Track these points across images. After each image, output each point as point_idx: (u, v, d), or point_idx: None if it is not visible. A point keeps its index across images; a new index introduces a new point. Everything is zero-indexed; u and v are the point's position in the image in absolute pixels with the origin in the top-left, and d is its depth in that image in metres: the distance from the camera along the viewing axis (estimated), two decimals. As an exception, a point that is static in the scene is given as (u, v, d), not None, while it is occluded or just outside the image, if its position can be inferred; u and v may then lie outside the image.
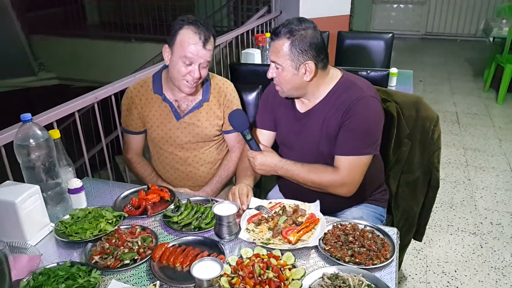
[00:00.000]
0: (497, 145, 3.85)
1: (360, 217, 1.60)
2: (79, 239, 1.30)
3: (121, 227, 1.36)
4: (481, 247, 2.50)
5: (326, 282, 1.11)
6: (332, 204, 1.62)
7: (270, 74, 1.53)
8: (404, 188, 1.88)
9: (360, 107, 1.47)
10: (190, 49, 1.60)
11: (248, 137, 1.56)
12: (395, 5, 8.67)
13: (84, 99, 1.96)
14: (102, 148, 2.93)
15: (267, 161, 1.57)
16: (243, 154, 1.78)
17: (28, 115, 1.32)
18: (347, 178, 1.50)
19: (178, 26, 1.62)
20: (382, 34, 3.48)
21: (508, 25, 4.70)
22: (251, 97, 2.03)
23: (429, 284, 2.23)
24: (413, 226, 1.97)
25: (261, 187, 2.09)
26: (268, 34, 3.10)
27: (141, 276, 1.18)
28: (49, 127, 1.75)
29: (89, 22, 9.32)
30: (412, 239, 2.03)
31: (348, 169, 1.49)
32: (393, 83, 2.76)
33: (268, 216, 1.37)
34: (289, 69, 1.47)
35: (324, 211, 1.41)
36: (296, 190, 1.63)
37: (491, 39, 4.96)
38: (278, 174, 1.59)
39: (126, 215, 1.43)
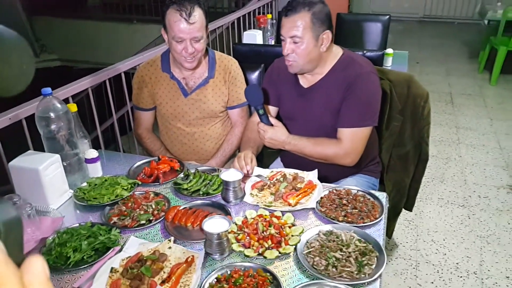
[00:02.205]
0: (488, 124, 3.98)
1: (355, 185, 1.73)
2: (98, 203, 1.43)
3: (135, 193, 1.48)
4: (469, 218, 2.65)
5: (322, 238, 1.24)
6: (329, 174, 1.74)
7: (286, 51, 1.59)
8: (396, 161, 2.01)
9: (360, 82, 1.60)
10: (176, 28, 1.68)
11: (261, 112, 1.64)
12: (394, -12, 8.68)
13: (96, 76, 2.07)
14: (105, 130, 3.05)
15: (277, 135, 1.65)
16: (246, 128, 1.90)
17: (48, 89, 1.43)
18: (350, 149, 1.62)
19: (165, 7, 1.72)
20: (379, 16, 3.57)
21: (503, 8, 4.77)
22: (254, 76, 2.13)
23: (419, 251, 2.38)
24: (404, 197, 2.10)
25: (263, 162, 2.22)
26: (269, 16, 3.18)
27: (156, 234, 1.31)
28: (65, 102, 1.86)
29: (90, 3, 9.29)
30: (404, 210, 2.18)
31: (351, 140, 1.61)
32: (388, 63, 2.86)
33: (270, 182, 1.50)
34: (310, 41, 1.55)
35: (322, 180, 1.54)
36: (297, 161, 1.76)
37: (486, 21, 5.05)
38: (285, 148, 1.68)
39: (140, 182, 1.55)
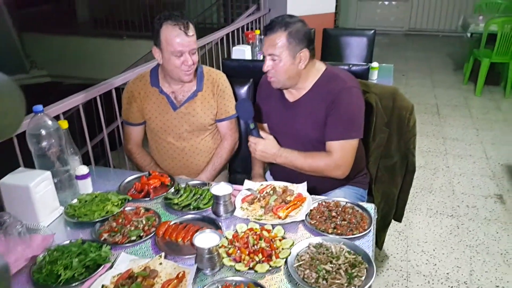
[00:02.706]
0: (474, 135, 4.05)
1: (343, 197, 1.75)
2: (88, 220, 1.42)
3: (126, 209, 1.49)
4: (458, 228, 2.69)
5: (312, 250, 1.26)
6: (318, 186, 1.77)
7: (266, 67, 1.66)
8: (384, 172, 2.04)
9: (344, 96, 1.64)
10: (177, 42, 1.72)
11: (252, 126, 1.68)
12: (380, 2, 8.88)
13: (88, 93, 2.09)
14: (95, 145, 3.04)
15: (268, 148, 1.69)
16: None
17: (40, 107, 1.44)
18: (340, 161, 1.66)
19: (158, 25, 1.75)
20: (365, 31, 3.65)
21: (485, 21, 4.90)
22: (243, 90, 2.16)
23: (409, 262, 2.41)
24: (393, 208, 2.13)
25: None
26: (257, 31, 3.23)
27: (147, 250, 1.31)
28: (56, 118, 1.87)
29: (80, 19, 9.31)
30: (393, 220, 2.20)
31: (340, 152, 1.65)
32: (374, 77, 2.92)
33: (260, 196, 1.52)
34: (287, 59, 1.61)
35: (311, 192, 1.56)
36: (286, 174, 1.78)
37: (469, 34, 5.17)
38: (276, 161, 1.71)
39: (130, 198, 1.55)
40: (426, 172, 3.37)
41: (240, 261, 1.21)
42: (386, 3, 8.84)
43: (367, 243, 1.31)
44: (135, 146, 2.01)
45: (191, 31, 1.76)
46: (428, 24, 8.71)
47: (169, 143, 1.97)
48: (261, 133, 1.71)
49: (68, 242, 1.33)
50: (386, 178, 2.05)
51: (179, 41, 1.73)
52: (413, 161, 2.04)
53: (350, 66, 2.39)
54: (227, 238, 1.31)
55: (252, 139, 1.70)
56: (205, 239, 1.18)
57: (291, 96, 1.77)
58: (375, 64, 2.93)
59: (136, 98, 1.93)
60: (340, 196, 1.77)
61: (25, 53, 7.86)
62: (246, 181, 1.61)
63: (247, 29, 4.18)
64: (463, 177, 3.29)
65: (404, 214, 2.16)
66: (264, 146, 1.69)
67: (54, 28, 8.10)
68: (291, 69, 1.64)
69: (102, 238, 1.35)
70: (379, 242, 2.19)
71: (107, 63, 6.96)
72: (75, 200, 1.53)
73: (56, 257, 1.24)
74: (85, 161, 1.75)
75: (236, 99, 2.03)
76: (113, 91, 2.30)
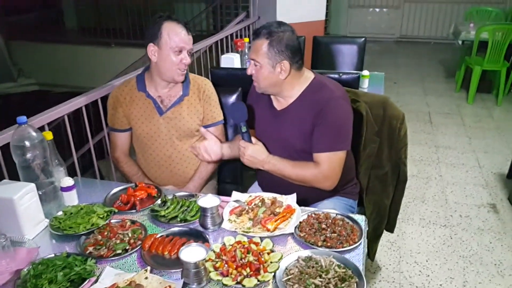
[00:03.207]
0: (467, 143, 4.06)
1: (332, 207, 1.73)
2: (73, 232, 1.39)
3: (111, 221, 1.46)
4: (451, 238, 2.67)
5: (301, 264, 1.23)
6: (306, 196, 1.75)
7: (249, 71, 1.67)
8: (375, 182, 2.02)
9: (331, 108, 1.62)
10: (179, 37, 1.77)
11: (244, 129, 1.65)
12: (371, 9, 8.95)
13: (73, 103, 2.06)
14: (83, 154, 3.00)
15: (257, 153, 1.67)
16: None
17: (23, 118, 1.41)
18: (328, 172, 1.64)
19: (159, 22, 1.77)
20: (355, 39, 3.66)
21: (476, 29, 4.94)
22: (231, 99, 2.14)
23: (402, 273, 2.39)
24: (385, 218, 2.11)
25: (243, 184, 2.22)
26: (246, 39, 3.23)
27: (133, 264, 1.28)
28: (41, 129, 1.83)
29: (67, 27, 9.29)
30: (385, 231, 2.19)
31: (328, 164, 1.63)
32: (365, 85, 2.92)
33: (248, 208, 1.49)
34: (266, 67, 1.61)
35: (299, 203, 1.53)
36: (274, 184, 1.76)
37: (460, 42, 5.21)
38: (264, 168, 1.69)
39: (116, 210, 1.52)
40: (419, 181, 3.37)
41: (227, 275, 1.19)
42: (377, 10, 8.91)
43: (357, 256, 1.28)
44: (122, 155, 1.98)
45: (190, 33, 1.82)
46: (419, 31, 8.79)
47: (156, 150, 1.95)
48: (252, 138, 1.69)
49: (53, 255, 1.30)
50: (378, 188, 2.03)
51: (181, 38, 1.77)
52: (405, 170, 2.03)
53: (340, 74, 2.39)
54: (214, 252, 1.29)
55: (242, 143, 1.68)
56: (192, 253, 1.16)
57: (279, 104, 1.76)
58: (365, 72, 2.93)
59: (121, 103, 1.91)
60: (329, 207, 1.75)
61: (12, 61, 7.83)
62: (234, 193, 1.58)
63: (236, 37, 4.17)
64: (456, 186, 3.29)
65: (397, 224, 2.14)
66: (253, 151, 1.67)
67: (42, 36, 8.07)
68: (271, 77, 1.63)
69: (88, 252, 1.32)
70: (371, 253, 2.17)
71: (95, 71, 6.93)
72: (60, 212, 1.50)
73: (40, 271, 1.21)
74: (72, 172, 1.71)
75: (222, 108, 2.02)
76: (99, 101, 2.26)
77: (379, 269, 2.42)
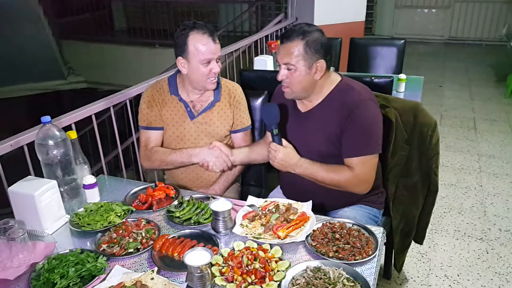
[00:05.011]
0: (514, 152, 3.82)
1: (353, 217, 1.68)
2: (90, 229, 1.43)
3: (128, 219, 1.49)
4: (487, 252, 2.52)
5: (309, 274, 1.20)
6: (327, 203, 1.71)
7: (280, 76, 1.61)
8: (403, 192, 1.94)
9: (361, 110, 1.57)
10: (206, 50, 1.75)
11: (275, 131, 1.61)
12: (419, 10, 8.64)
13: (100, 104, 2.13)
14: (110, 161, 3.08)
15: (289, 157, 1.62)
16: (257, 143, 1.95)
17: (47, 118, 1.47)
18: (362, 176, 1.60)
19: (184, 35, 1.75)
20: (395, 40, 3.55)
21: (530, 30, 4.64)
22: (257, 102, 2.13)
23: (430, 286, 2.27)
24: (413, 229, 2.03)
25: (266, 187, 2.20)
26: (280, 41, 3.20)
27: (142, 263, 1.30)
28: (68, 128, 1.91)
29: (116, 28, 9.65)
30: (415, 243, 2.09)
31: (362, 168, 1.59)
32: (401, 89, 2.81)
33: (262, 213, 1.47)
34: (302, 69, 1.56)
35: (318, 208, 1.49)
36: (295, 189, 1.73)
37: (513, 44, 4.91)
38: (295, 171, 1.64)
39: (134, 209, 1.56)
40: (457, 191, 3.20)
41: (232, 281, 1.18)
42: (426, 10, 8.57)
43: (369, 270, 1.23)
44: (155, 147, 1.94)
45: (217, 38, 1.80)
46: (470, 33, 8.37)
47: None
48: (283, 141, 1.65)
49: (68, 251, 1.34)
50: (406, 198, 1.95)
51: (207, 49, 1.75)
52: (436, 180, 1.94)
53: (372, 78, 2.31)
54: (222, 256, 1.28)
55: (273, 146, 1.63)
56: (197, 257, 1.15)
57: (303, 106, 1.72)
58: (402, 76, 2.82)
59: (156, 102, 1.93)
60: (350, 215, 1.70)
61: (63, 59, 8.24)
62: (250, 197, 1.57)
63: (273, 38, 4.16)
64: (497, 198, 3.10)
65: (429, 235, 2.05)
66: (284, 154, 1.62)
67: (91, 36, 8.44)
68: (306, 79, 1.59)
69: (101, 249, 1.35)
70: (397, 264, 2.08)
71: (140, 70, 7.14)
72: (81, 209, 1.55)
73: (54, 266, 1.25)
74: (116, 167, 1.76)
75: (250, 111, 2.01)
76: (127, 102, 2.32)
77: (406, 281, 2.31)
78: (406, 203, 1.95)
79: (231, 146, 2.00)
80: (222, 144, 1.86)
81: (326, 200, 1.70)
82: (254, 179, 2.19)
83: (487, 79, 6.09)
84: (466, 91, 5.57)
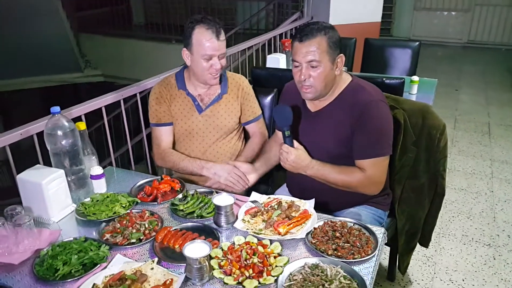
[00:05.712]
0: (528, 159, 3.75)
1: (357, 217, 1.68)
2: (95, 219, 1.46)
3: (133, 211, 1.51)
4: (494, 258, 2.48)
5: (306, 271, 1.20)
6: (332, 202, 1.71)
7: (303, 76, 1.55)
8: (410, 193, 1.92)
9: (372, 110, 1.57)
10: (208, 45, 1.76)
11: (287, 133, 1.60)
12: (438, 12, 8.53)
13: (110, 96, 2.16)
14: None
15: (300, 159, 1.61)
16: (268, 142, 1.97)
17: (57, 108, 1.50)
18: (374, 178, 1.60)
19: (190, 28, 1.78)
20: (409, 42, 3.51)
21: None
22: (267, 100, 2.14)
23: (434, 290, 2.26)
24: (418, 231, 2.01)
25: (273, 185, 2.20)
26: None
27: (143, 254, 1.32)
28: (79, 119, 1.95)
29: (135, 22, 9.76)
30: (420, 245, 2.07)
31: (373, 169, 1.59)
32: (413, 91, 2.79)
33: (264, 209, 1.48)
34: (327, 64, 1.55)
35: (323, 208, 1.49)
36: (301, 188, 1.73)
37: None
38: (306, 173, 1.64)
39: (139, 201, 1.58)
40: (467, 196, 3.16)
41: (230, 274, 1.19)
42: (445, 13, 8.46)
43: (367, 269, 1.23)
44: (167, 148, 1.98)
45: (222, 35, 1.80)
46: (490, 37, 8.23)
47: (191, 146, 1.98)
48: (294, 142, 1.64)
49: (72, 239, 1.37)
50: (412, 200, 1.94)
51: (210, 45, 1.76)
52: (443, 183, 1.92)
53: (384, 79, 2.30)
54: (222, 249, 1.29)
55: (285, 148, 1.62)
56: (196, 249, 1.17)
57: (313, 106, 1.71)
58: (415, 78, 2.79)
59: (165, 99, 1.95)
60: (355, 216, 1.69)
61: (81, 53, 8.35)
62: (253, 193, 1.58)
63: (290, 36, 4.15)
64: (507, 204, 3.05)
65: (436, 238, 2.03)
66: (296, 156, 1.60)
67: (109, 30, 8.54)
68: (330, 75, 1.57)
69: (104, 238, 1.38)
70: (402, 266, 2.07)
71: (156, 66, 7.20)
72: (88, 199, 1.58)
73: (57, 252, 1.29)
74: (128, 160, 1.79)
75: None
76: (138, 95, 2.36)
77: (409, 283, 2.30)
78: (412, 205, 1.94)
79: (241, 139, 2.05)
80: (243, 164, 1.85)
81: (332, 200, 1.70)
82: (262, 177, 2.19)
83: (505, 84, 5.98)
84: (482, 96, 5.49)
